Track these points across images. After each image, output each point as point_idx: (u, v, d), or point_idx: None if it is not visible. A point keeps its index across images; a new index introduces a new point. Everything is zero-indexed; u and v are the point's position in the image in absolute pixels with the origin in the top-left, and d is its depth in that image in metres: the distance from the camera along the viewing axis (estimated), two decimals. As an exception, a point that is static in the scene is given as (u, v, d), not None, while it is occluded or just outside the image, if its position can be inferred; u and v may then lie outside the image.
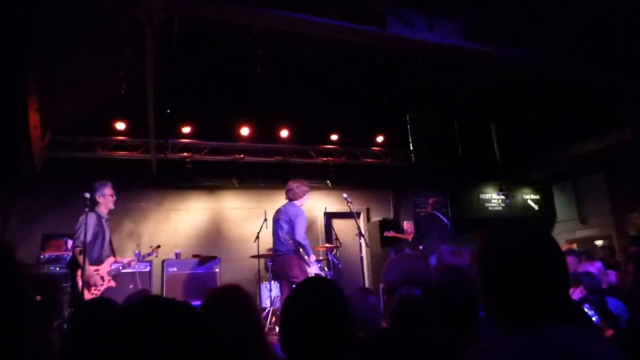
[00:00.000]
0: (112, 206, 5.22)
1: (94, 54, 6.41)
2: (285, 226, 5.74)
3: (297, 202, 5.93)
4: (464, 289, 2.24)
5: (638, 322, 3.01)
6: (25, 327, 0.97)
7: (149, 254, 5.75)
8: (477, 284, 1.29)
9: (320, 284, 1.80)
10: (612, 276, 6.17)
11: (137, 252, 7.70)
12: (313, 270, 5.83)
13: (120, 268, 5.15)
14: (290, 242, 5.66)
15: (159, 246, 6.04)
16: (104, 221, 5.08)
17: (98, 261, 4.88)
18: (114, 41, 6.19)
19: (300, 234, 5.65)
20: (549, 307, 1.14)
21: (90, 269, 4.72)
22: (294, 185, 5.99)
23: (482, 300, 1.26)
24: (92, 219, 4.88)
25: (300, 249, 5.67)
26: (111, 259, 5.04)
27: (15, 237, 7.36)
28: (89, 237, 4.76)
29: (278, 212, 5.96)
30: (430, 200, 8.12)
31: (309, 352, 1.59)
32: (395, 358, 1.64)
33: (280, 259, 5.76)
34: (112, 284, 4.92)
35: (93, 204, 5.03)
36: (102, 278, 4.86)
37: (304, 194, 6.00)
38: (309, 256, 5.66)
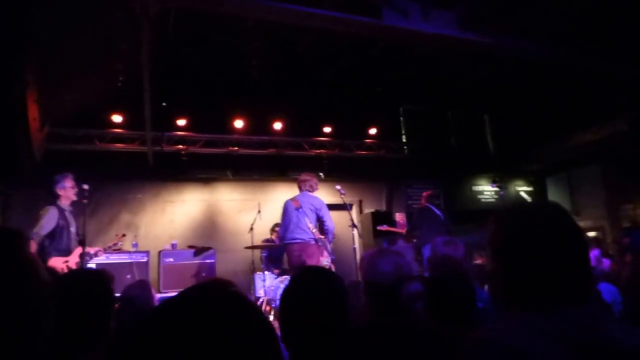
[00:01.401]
0: (74, 197, 5.14)
1: (91, 47, 6.47)
2: (311, 215, 5.82)
3: (314, 194, 6.09)
4: (461, 279, 2.24)
5: (632, 313, 3.11)
6: (38, 316, 0.96)
7: (115, 244, 5.79)
8: (490, 267, 1.25)
9: (321, 273, 1.82)
10: (605, 264, 6.35)
11: (134, 242, 7.92)
12: (327, 261, 5.97)
13: (88, 258, 5.22)
14: (314, 230, 5.76)
15: (124, 235, 6.17)
16: (67, 213, 5.05)
17: (66, 252, 4.92)
18: (111, 34, 6.24)
19: (332, 224, 5.87)
20: (574, 289, 1.11)
21: (59, 260, 4.78)
22: (308, 177, 6.17)
23: (499, 284, 1.20)
24: (53, 213, 4.89)
25: (324, 238, 5.84)
26: (79, 250, 5.04)
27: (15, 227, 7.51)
28: (46, 231, 4.77)
29: (296, 201, 5.97)
30: (424, 194, 8.18)
31: (308, 340, 1.61)
32: (395, 348, 1.62)
33: (299, 246, 5.75)
34: None
35: (54, 197, 5.03)
36: (70, 269, 4.93)
37: (317, 186, 6.22)
38: (330, 244, 5.82)
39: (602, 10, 6.61)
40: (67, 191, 5.09)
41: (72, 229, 5.09)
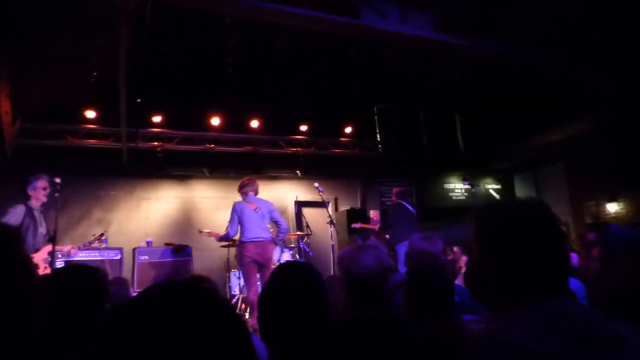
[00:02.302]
0: (44, 199, 5.12)
1: (65, 41, 6.36)
2: (267, 216, 6.08)
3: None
4: (440, 273, 2.29)
5: (598, 307, 3.28)
6: (30, 312, 0.97)
7: (90, 242, 5.83)
8: (477, 262, 1.25)
9: (301, 268, 1.81)
10: (574, 259, 6.63)
11: (104, 238, 7.78)
12: (285, 257, 6.21)
13: (60, 256, 5.17)
14: (272, 230, 6.08)
15: (102, 234, 6.13)
16: (36, 213, 5.03)
17: (32, 250, 4.89)
18: (87, 28, 6.16)
19: (286, 224, 6.16)
20: (559, 281, 1.14)
21: None
22: (251, 181, 6.32)
23: (489, 278, 1.19)
24: (19, 210, 4.90)
25: (279, 237, 6.12)
26: (48, 248, 5.01)
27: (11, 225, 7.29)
28: None
29: (252, 203, 6.13)
30: (394, 190, 8.34)
31: (289, 336, 1.59)
32: (376, 343, 1.62)
33: (261, 244, 5.96)
34: (48, 271, 4.93)
35: (25, 197, 5.04)
36: (37, 266, 4.90)
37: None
38: (281, 241, 6.07)
39: (570, 16, 6.91)
40: (37, 192, 5.04)
41: (41, 230, 5.03)
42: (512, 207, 1.25)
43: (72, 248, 5.40)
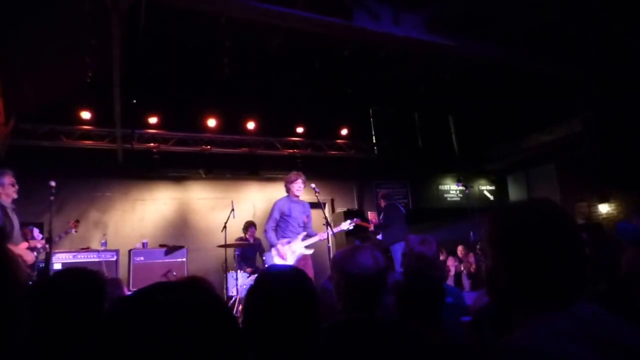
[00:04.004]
0: (14, 195, 4.86)
1: (59, 40, 6.31)
2: None
3: (289, 194, 6.24)
4: (434, 277, 2.35)
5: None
6: (15, 313, 0.94)
7: (66, 232, 5.68)
8: (493, 265, 1.21)
9: (286, 273, 1.73)
10: None
11: (103, 241, 7.78)
12: (300, 249, 6.15)
13: (36, 253, 5.02)
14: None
15: (77, 221, 6.03)
16: (9, 210, 4.79)
17: None
18: (80, 27, 6.10)
19: (265, 226, 6.07)
20: (577, 284, 1.11)
21: None
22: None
23: (505, 282, 1.16)
24: None
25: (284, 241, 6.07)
26: (24, 245, 4.88)
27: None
28: None
29: None
30: (382, 193, 8.39)
31: (275, 342, 1.51)
32: (367, 349, 1.61)
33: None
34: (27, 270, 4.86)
35: None
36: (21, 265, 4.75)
37: (288, 184, 6.28)
38: (272, 246, 5.94)
39: (560, 16, 6.99)
40: (6, 188, 4.80)
41: (15, 226, 4.80)
42: (530, 210, 1.22)
43: (45, 247, 5.22)
